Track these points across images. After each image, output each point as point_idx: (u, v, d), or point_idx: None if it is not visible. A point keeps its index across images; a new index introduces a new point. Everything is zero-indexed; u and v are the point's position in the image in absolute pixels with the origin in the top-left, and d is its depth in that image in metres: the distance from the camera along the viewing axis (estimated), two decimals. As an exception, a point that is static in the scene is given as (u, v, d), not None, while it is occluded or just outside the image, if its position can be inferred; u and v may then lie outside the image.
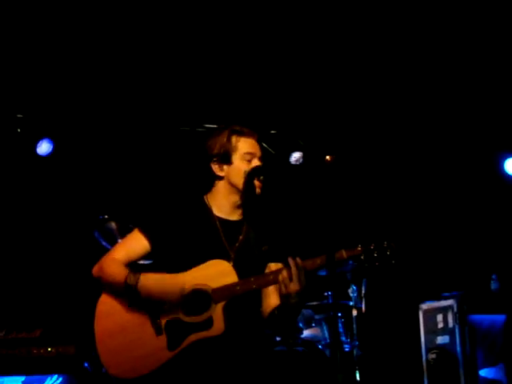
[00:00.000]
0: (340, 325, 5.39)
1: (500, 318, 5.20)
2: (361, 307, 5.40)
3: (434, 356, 5.45)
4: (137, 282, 2.65)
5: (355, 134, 6.30)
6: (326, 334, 5.27)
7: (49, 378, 4.39)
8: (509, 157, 6.55)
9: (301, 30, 5.56)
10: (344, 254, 2.65)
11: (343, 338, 5.35)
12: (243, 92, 5.53)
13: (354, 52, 5.82)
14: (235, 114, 4.35)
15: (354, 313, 5.38)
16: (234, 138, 2.87)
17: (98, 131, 5.81)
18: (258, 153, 2.89)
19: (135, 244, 2.85)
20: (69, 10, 5.29)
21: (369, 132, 6.34)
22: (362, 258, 2.72)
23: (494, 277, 5.48)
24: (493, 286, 5.48)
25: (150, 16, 5.55)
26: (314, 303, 5.35)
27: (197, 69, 5.55)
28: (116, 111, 5.78)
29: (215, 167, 2.85)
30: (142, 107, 5.69)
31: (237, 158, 2.85)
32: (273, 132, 3.82)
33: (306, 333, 5.18)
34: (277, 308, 2.76)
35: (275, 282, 2.67)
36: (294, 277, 2.60)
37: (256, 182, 2.82)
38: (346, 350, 5.27)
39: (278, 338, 4.83)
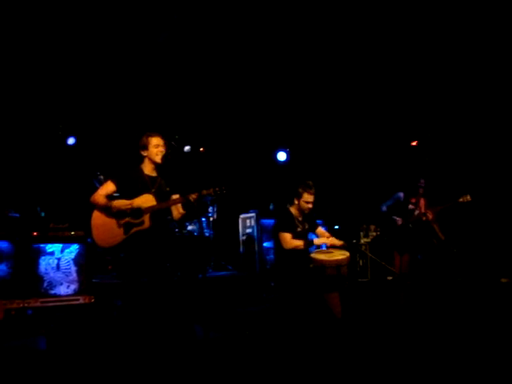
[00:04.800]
0: (204, 224, 8.47)
1: (271, 221, 8.03)
2: (214, 216, 8.58)
3: (244, 237, 8.79)
4: (111, 203, 4.46)
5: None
6: (197, 227, 8.27)
7: (73, 245, 6.42)
8: (279, 150, 10.36)
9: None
10: (205, 192, 4.58)
11: (206, 230, 8.47)
12: (165, 116, 8.37)
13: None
14: (161, 127, 5.57)
15: (211, 219, 8.52)
16: (149, 138, 4.64)
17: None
18: (161, 143, 4.61)
19: (110, 186, 4.60)
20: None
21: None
22: (213, 193, 4.62)
23: (271, 204, 8.91)
24: (270, 207, 8.89)
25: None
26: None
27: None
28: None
29: (142, 152, 4.64)
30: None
31: (150, 147, 4.61)
32: (177, 136, 5.19)
33: (189, 227, 8.28)
34: (181, 213, 4.67)
35: (176, 203, 4.59)
36: (185, 202, 4.55)
37: (161, 159, 4.59)
38: (207, 235, 8.44)
39: (176, 230, 7.87)
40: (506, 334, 5.19)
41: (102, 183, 5.88)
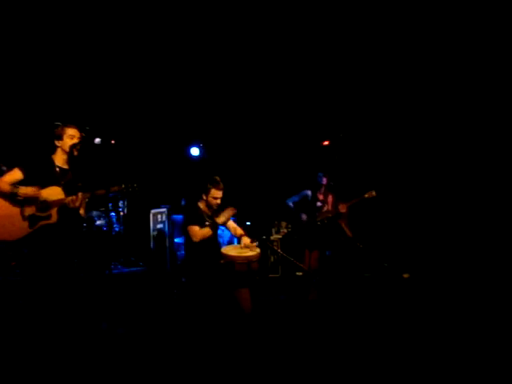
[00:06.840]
0: (114, 219, 8.43)
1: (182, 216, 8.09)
2: (124, 210, 8.60)
3: (156, 232, 8.61)
4: (18, 189, 4.25)
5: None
6: (106, 222, 8.10)
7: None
8: (192, 146, 10.23)
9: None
10: (115, 188, 4.61)
11: (116, 225, 8.54)
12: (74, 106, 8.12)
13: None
14: (70, 117, 5.24)
15: (121, 213, 8.53)
16: (64, 128, 4.59)
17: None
18: (77, 134, 4.57)
19: (16, 174, 4.41)
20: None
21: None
22: (124, 190, 4.63)
23: (183, 200, 8.81)
24: (182, 203, 8.78)
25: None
26: (102, 208, 8.20)
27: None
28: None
29: (56, 142, 4.57)
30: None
31: (65, 137, 4.55)
32: (87, 127, 4.87)
33: (98, 222, 8.06)
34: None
35: (83, 199, 4.51)
36: (92, 197, 4.60)
37: (74, 150, 4.53)
38: (117, 230, 8.52)
39: (84, 224, 7.67)
40: (406, 328, 5.53)
41: (3, 173, 5.41)
